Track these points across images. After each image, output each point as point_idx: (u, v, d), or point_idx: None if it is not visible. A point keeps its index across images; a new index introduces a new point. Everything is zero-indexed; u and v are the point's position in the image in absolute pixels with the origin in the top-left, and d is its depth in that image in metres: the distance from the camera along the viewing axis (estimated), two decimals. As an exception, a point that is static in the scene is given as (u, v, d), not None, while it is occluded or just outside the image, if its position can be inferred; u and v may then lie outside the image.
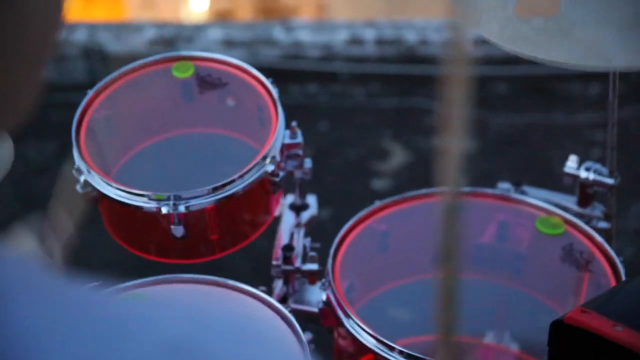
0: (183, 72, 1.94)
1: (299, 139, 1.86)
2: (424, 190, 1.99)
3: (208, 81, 1.92)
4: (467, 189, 1.97)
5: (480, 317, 2.09)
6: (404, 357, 1.65)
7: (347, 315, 1.70)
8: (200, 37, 3.93)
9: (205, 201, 1.74)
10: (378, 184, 3.51)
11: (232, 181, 1.75)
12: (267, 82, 1.88)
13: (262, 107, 1.88)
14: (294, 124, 1.86)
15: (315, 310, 1.78)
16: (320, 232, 2.10)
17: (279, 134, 1.82)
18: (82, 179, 1.77)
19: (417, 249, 2.00)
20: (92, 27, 4.04)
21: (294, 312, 1.91)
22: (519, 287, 2.04)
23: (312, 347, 2.00)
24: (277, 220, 2.01)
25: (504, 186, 2.09)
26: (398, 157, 3.63)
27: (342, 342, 1.77)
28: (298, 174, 1.92)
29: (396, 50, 3.93)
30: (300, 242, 1.94)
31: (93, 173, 1.77)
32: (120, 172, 1.91)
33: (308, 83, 3.94)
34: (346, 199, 3.34)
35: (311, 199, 2.04)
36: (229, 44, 3.90)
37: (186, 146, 1.95)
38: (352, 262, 1.91)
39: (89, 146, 1.81)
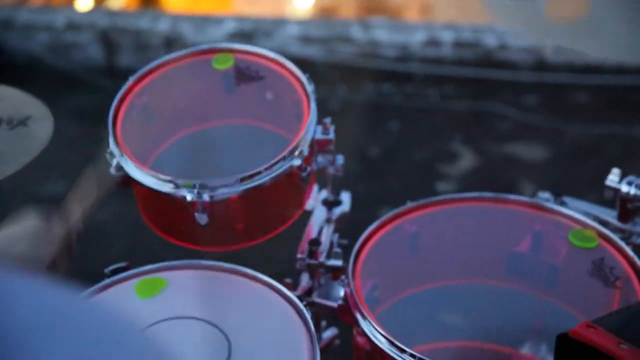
0: (223, 64, 1.97)
1: (331, 135, 1.87)
2: (457, 195, 1.97)
3: (246, 74, 1.94)
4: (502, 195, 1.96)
5: (516, 327, 2.07)
6: (415, 361, 1.65)
7: (363, 315, 1.70)
8: (279, 32, 3.98)
9: (230, 191, 1.76)
10: (442, 186, 3.49)
11: (259, 173, 1.77)
12: (303, 78, 1.90)
13: (297, 101, 1.89)
14: (326, 120, 1.87)
15: (335, 305, 1.80)
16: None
17: (309, 129, 1.83)
18: (114, 162, 1.83)
19: (447, 253, 1.99)
20: (175, 18, 4.13)
21: (317, 306, 1.93)
22: (553, 299, 2.01)
23: (336, 342, 2.01)
24: (310, 214, 2.03)
25: (544, 195, 2.06)
26: (466, 160, 3.60)
27: (360, 340, 1.78)
28: (330, 170, 1.93)
29: (473, 54, 3.91)
30: (328, 237, 1.95)
31: (125, 157, 1.81)
32: (158, 158, 1.95)
33: (382, 82, 3.95)
34: (407, 199, 3.34)
35: (345, 196, 2.05)
36: (305, 40, 3.94)
37: (223, 137, 1.98)
38: (377, 261, 1.90)
39: (125, 131, 1.86)
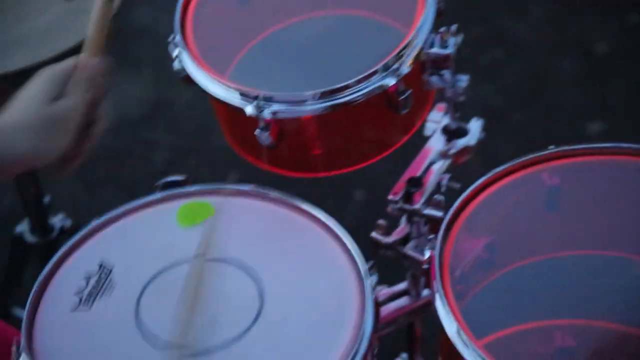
0: None
1: (450, 50, 1.47)
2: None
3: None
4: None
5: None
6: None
7: (436, 290, 1.34)
8: None
9: (298, 109, 1.42)
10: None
11: (340, 89, 1.41)
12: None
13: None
14: (445, 29, 1.47)
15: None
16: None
17: (417, 40, 1.45)
18: (174, 53, 1.53)
19: (591, 217, 1.57)
20: None
21: (409, 260, 1.59)
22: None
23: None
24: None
25: None
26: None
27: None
28: (449, 92, 1.54)
29: None
30: (437, 177, 1.57)
31: (185, 52, 1.51)
32: (244, 58, 1.63)
33: None
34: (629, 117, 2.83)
35: (474, 125, 1.65)
36: None
37: (320, 32, 1.62)
38: (498, 216, 1.52)
39: (197, 17, 1.55)
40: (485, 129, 1.80)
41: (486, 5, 3.21)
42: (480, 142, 1.71)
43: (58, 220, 1.99)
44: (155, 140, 2.87)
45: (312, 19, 1.64)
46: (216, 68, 1.51)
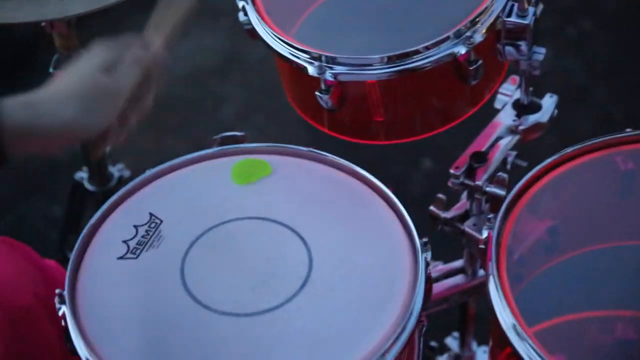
0: None
1: (528, 20, 1.39)
2: None
3: None
4: None
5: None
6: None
7: (490, 272, 1.28)
8: None
9: (363, 73, 1.36)
10: None
11: (407, 54, 1.36)
12: None
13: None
14: (525, -5, 1.39)
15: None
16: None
17: (494, 7, 1.37)
18: (241, 4, 1.48)
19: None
20: None
21: (467, 237, 1.53)
22: None
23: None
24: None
25: None
26: None
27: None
28: (523, 65, 1.46)
29: None
30: (503, 153, 1.51)
31: (250, 5, 1.46)
32: (311, 16, 1.56)
33: None
34: None
35: (548, 101, 1.57)
36: None
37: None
38: (565, 198, 1.45)
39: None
40: (565, 104, 1.72)
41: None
42: (557, 118, 1.64)
43: (117, 170, 1.98)
44: (227, 94, 2.85)
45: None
46: (281, 24, 1.47)
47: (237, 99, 2.83)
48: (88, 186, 1.97)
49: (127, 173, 1.98)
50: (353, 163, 1.40)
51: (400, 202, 1.34)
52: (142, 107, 1.30)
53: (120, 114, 1.25)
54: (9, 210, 2.54)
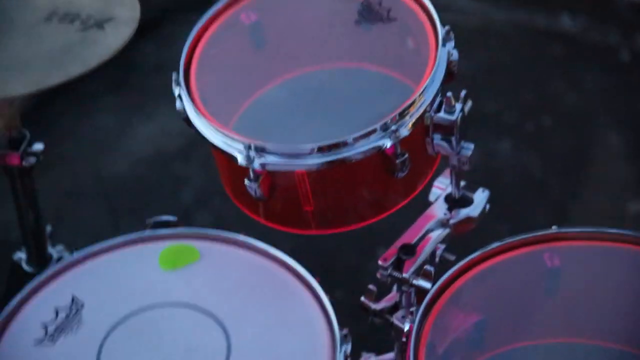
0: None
1: (455, 116, 1.41)
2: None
3: (374, 10, 1.51)
4: None
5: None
6: None
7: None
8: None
9: (291, 164, 1.37)
10: None
11: (336, 145, 1.36)
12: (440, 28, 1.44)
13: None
14: (450, 94, 1.41)
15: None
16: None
17: (422, 101, 1.39)
18: (177, 92, 1.49)
19: (591, 303, 1.48)
20: None
21: (395, 329, 1.52)
22: None
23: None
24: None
25: None
26: None
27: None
28: (453, 159, 1.48)
29: None
30: (432, 246, 1.51)
31: (184, 93, 1.47)
32: (260, 99, 1.60)
33: None
34: None
35: (479, 196, 1.58)
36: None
37: (331, 84, 1.57)
38: (492, 292, 1.45)
39: (207, 56, 1.52)
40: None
41: (540, 69, 3.15)
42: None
43: (56, 252, 1.96)
44: (187, 177, 2.86)
45: (324, 71, 1.61)
46: (217, 115, 1.48)
47: (198, 182, 2.84)
48: (26, 267, 1.96)
49: (67, 255, 1.97)
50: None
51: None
52: None
53: None
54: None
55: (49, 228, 1.94)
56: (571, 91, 3.07)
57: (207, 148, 2.97)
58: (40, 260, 1.92)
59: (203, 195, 2.82)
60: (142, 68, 3.10)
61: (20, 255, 1.97)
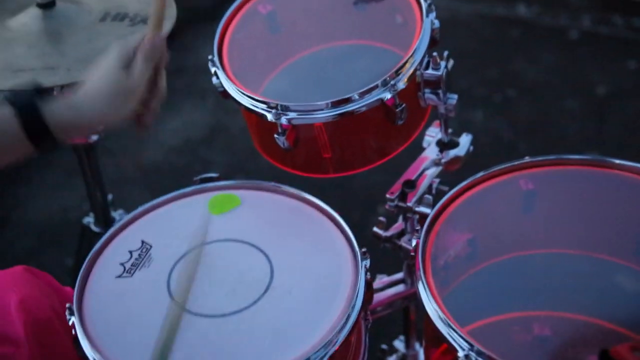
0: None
1: (441, 71, 1.52)
2: (588, 156, 1.55)
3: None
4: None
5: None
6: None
7: (418, 277, 1.38)
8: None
9: (310, 117, 1.47)
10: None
11: (345, 100, 1.47)
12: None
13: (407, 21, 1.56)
14: (436, 54, 1.52)
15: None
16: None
17: (412, 61, 1.49)
18: (213, 70, 1.60)
19: (566, 220, 1.59)
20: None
21: (404, 251, 1.63)
22: None
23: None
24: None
25: None
26: None
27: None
28: (441, 109, 1.59)
29: None
30: (429, 180, 1.62)
31: (220, 68, 1.57)
32: (282, 73, 1.71)
33: (635, 16, 3.36)
34: (621, 150, 2.84)
35: (464, 139, 1.69)
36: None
37: (336, 57, 1.67)
38: (480, 215, 1.55)
39: (234, 40, 1.62)
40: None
41: (502, 50, 3.25)
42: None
43: (118, 215, 2.07)
44: (212, 159, 2.96)
45: (330, 47, 1.72)
46: (249, 84, 1.58)
47: (221, 163, 2.94)
48: (94, 228, 2.06)
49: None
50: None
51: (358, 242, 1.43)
52: (159, 92, 1.40)
53: (143, 102, 1.36)
54: (27, 263, 2.61)
55: (110, 196, 2.04)
56: (530, 67, 3.18)
57: (228, 135, 3.06)
58: (106, 222, 2.03)
59: (226, 174, 2.92)
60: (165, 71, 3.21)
61: (89, 220, 2.08)
